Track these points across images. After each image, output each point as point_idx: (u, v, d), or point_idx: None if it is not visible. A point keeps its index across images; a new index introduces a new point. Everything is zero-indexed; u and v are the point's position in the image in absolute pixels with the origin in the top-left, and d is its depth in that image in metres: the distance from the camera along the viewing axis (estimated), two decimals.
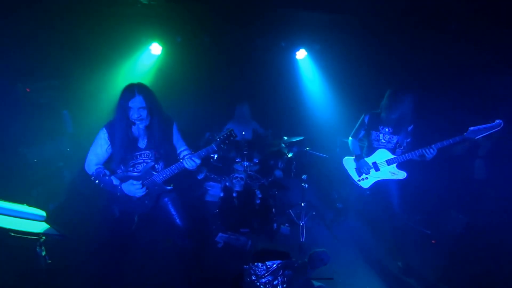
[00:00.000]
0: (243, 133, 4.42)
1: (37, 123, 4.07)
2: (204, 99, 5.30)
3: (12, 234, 1.74)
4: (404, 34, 4.05)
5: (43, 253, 1.80)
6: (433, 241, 3.38)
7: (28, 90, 4.30)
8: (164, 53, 5.05)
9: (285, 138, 4.20)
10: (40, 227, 1.94)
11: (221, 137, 2.14)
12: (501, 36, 3.29)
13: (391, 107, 2.67)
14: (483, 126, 2.41)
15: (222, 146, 2.15)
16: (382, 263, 3.01)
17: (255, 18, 4.26)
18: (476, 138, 2.43)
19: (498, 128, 2.39)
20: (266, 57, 5.21)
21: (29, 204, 1.99)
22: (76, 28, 4.06)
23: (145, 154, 2.19)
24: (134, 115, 2.02)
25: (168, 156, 2.25)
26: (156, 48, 4.91)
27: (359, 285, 2.72)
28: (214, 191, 4.07)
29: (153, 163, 2.19)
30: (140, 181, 2.12)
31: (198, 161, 2.14)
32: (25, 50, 3.83)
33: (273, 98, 5.51)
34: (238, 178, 3.63)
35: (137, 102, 2.02)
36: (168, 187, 2.24)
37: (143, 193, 2.14)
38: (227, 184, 3.64)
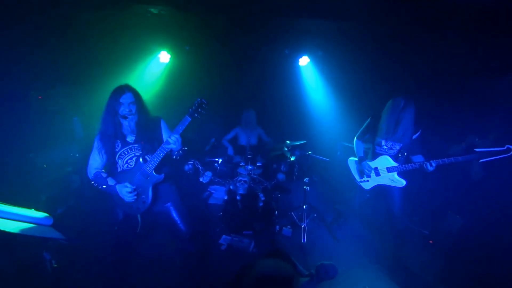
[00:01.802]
0: (249, 138, 4.52)
1: (47, 129, 4.20)
2: (210, 105, 5.39)
3: (19, 238, 1.80)
4: (407, 40, 4.10)
5: (49, 257, 1.84)
6: (430, 242, 3.42)
7: (40, 97, 4.47)
8: (173, 61, 5.20)
9: (288, 142, 4.29)
10: (47, 231, 2.01)
11: (193, 107, 2.20)
12: (504, 41, 3.34)
13: (391, 119, 2.68)
14: (491, 149, 2.30)
15: (196, 115, 2.21)
16: (382, 264, 3.03)
17: (261, 26, 4.37)
18: (480, 161, 2.32)
19: (507, 155, 2.23)
20: (271, 64, 5.34)
21: (37, 209, 2.07)
22: (87, 36, 4.21)
23: (135, 147, 2.28)
24: (125, 109, 2.17)
25: (156, 148, 2.28)
26: (164, 56, 5.07)
27: (360, 286, 2.75)
28: (218, 194, 4.15)
29: (142, 154, 2.27)
30: (132, 186, 2.19)
31: (177, 137, 2.18)
32: (38, 58, 3.99)
33: (277, 103, 5.62)
34: (242, 182, 3.71)
35: (127, 98, 2.18)
36: (158, 175, 2.27)
37: (132, 200, 2.21)
38: (231, 187, 3.72)
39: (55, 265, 1.89)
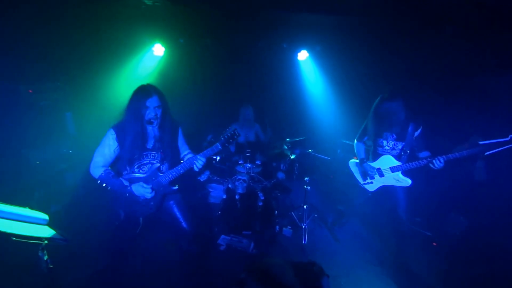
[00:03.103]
0: (247, 135, 4.43)
1: (39, 125, 4.07)
2: (206, 100, 5.31)
3: (14, 238, 1.72)
4: (407, 35, 4.02)
5: (45, 257, 1.78)
6: (434, 243, 3.38)
7: (30, 91, 4.31)
8: (167, 54, 5.06)
9: (288, 139, 4.20)
10: (43, 231, 1.94)
11: (226, 136, 2.18)
12: (506, 37, 3.27)
13: (378, 118, 2.66)
14: (495, 141, 2.30)
15: (227, 145, 2.20)
16: (383, 266, 3.00)
17: (258, 19, 4.26)
18: (486, 154, 2.32)
19: (511, 145, 2.24)
20: (268, 58, 5.22)
21: (31, 207, 1.98)
22: (79, 29, 4.07)
23: (152, 155, 2.21)
24: (151, 114, 2.08)
25: (173, 158, 2.28)
26: (158, 49, 4.92)
27: (360, 287, 2.72)
28: (216, 192, 4.07)
29: (158, 164, 2.21)
30: (150, 185, 2.14)
31: (204, 160, 2.19)
32: (27, 51, 3.84)
33: (275, 100, 5.52)
34: (241, 180, 3.63)
35: (154, 102, 2.07)
36: (174, 188, 2.26)
37: (152, 196, 2.16)
38: (230, 186, 3.65)
39: (51, 266, 1.81)
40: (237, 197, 3.50)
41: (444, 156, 2.45)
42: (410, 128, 2.65)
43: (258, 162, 4.01)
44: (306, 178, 3.47)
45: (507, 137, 2.23)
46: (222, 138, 2.18)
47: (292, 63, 5.40)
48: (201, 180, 3.92)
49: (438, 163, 2.47)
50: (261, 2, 3.78)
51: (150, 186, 2.14)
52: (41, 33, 3.84)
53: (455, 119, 3.73)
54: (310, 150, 3.85)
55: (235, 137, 2.20)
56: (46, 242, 1.82)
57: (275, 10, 3.97)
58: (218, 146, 2.18)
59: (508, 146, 2.22)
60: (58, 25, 3.89)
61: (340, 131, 4.94)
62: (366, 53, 4.54)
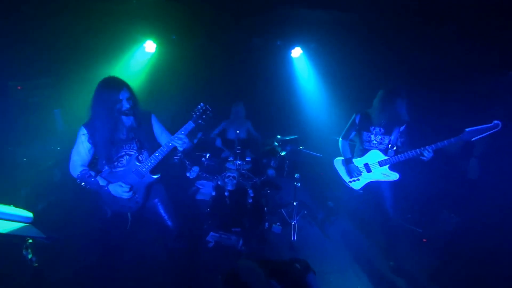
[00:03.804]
0: (238, 132, 4.40)
1: (27, 122, 4.03)
2: (198, 98, 5.24)
3: None
4: (401, 33, 4.02)
5: (30, 256, 1.73)
6: (424, 240, 3.37)
7: (19, 88, 4.25)
8: (158, 51, 5.01)
9: (279, 136, 4.17)
10: (27, 229, 1.89)
11: (197, 113, 2.14)
12: (499, 36, 3.26)
13: (383, 108, 2.63)
14: (480, 127, 2.33)
15: (200, 121, 2.15)
16: (373, 262, 2.98)
17: (251, 16, 4.22)
18: (473, 139, 2.36)
19: (496, 129, 2.30)
20: (262, 55, 5.19)
21: (16, 205, 1.94)
22: (69, 25, 4.02)
23: (127, 146, 2.15)
24: (125, 105, 2.03)
25: (151, 145, 2.20)
26: (150, 46, 4.87)
27: (350, 285, 2.69)
28: (206, 189, 4.03)
29: (136, 154, 2.16)
30: (128, 185, 2.09)
31: (181, 138, 2.12)
32: (16, 47, 3.79)
33: (268, 97, 5.50)
34: (231, 177, 3.59)
35: (125, 93, 2.03)
36: (155, 176, 2.20)
37: (129, 197, 2.11)
38: (219, 183, 3.61)
39: (36, 264, 1.76)
40: (226, 194, 3.46)
41: (435, 144, 2.45)
42: (397, 123, 2.67)
43: (248, 159, 3.98)
44: (296, 175, 3.45)
45: (491, 123, 2.30)
46: (194, 115, 2.13)
47: (286, 60, 5.38)
48: (190, 177, 3.87)
49: (427, 153, 2.47)
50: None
51: (129, 186, 2.09)
52: (31, 29, 3.79)
53: (450, 118, 3.72)
54: (301, 147, 3.81)
55: (208, 112, 2.16)
56: (30, 241, 1.78)
57: (272, 6, 3.94)
58: (190, 123, 2.13)
59: (493, 131, 2.30)
60: (49, 22, 3.85)
61: (332, 128, 4.91)
62: (362, 51, 4.53)
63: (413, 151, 2.55)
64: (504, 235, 2.94)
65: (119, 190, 2.06)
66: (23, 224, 1.98)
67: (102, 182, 2.07)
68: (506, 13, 3.05)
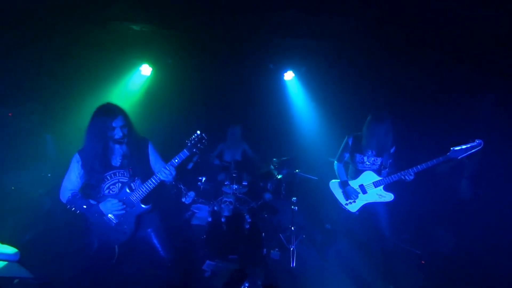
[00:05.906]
0: (234, 154, 4.39)
1: (17, 148, 3.94)
2: (194, 120, 5.26)
3: None
4: (388, 57, 4.18)
5: None
6: (422, 262, 3.33)
7: (10, 114, 4.19)
8: (154, 74, 5.05)
9: (275, 159, 4.17)
10: (13, 269, 1.81)
11: (192, 141, 2.09)
12: (483, 55, 3.41)
13: (372, 134, 2.68)
14: (465, 146, 2.43)
15: (194, 150, 2.09)
16: (372, 286, 2.92)
17: (245, 42, 4.35)
18: (459, 158, 2.44)
19: (479, 148, 2.40)
20: (255, 78, 5.28)
21: (3, 237, 1.85)
22: (64, 51, 4.05)
23: (120, 173, 2.12)
24: (119, 133, 2.01)
25: (145, 174, 2.15)
26: (146, 69, 4.91)
27: None
28: (202, 213, 3.94)
29: (128, 181, 2.12)
30: (117, 199, 2.04)
31: (172, 170, 2.07)
32: (9, 72, 3.77)
33: (262, 118, 5.54)
34: (227, 202, 3.54)
35: (119, 121, 2.01)
36: (145, 206, 2.13)
37: (123, 212, 2.06)
38: (216, 208, 3.54)
39: None
40: (223, 220, 3.39)
41: (416, 167, 2.53)
42: (386, 146, 2.72)
43: (244, 183, 3.94)
44: (293, 199, 3.42)
45: (474, 141, 2.42)
46: (188, 143, 2.08)
47: (279, 82, 5.48)
48: (186, 202, 3.80)
49: (408, 176, 2.55)
50: (247, 28, 3.88)
51: (118, 200, 2.04)
52: (25, 54, 3.80)
53: (436, 136, 3.81)
54: (297, 170, 3.80)
55: (204, 141, 2.10)
56: (17, 280, 1.70)
57: (261, 35, 4.08)
58: (185, 152, 2.09)
59: (477, 149, 2.41)
60: (44, 47, 3.87)
61: (327, 150, 4.94)
62: (351, 73, 4.66)
63: (397, 174, 2.62)
64: (501, 253, 2.94)
65: (110, 205, 2.02)
66: (9, 264, 1.89)
67: (93, 201, 2.04)
68: (487, 41, 3.22)
